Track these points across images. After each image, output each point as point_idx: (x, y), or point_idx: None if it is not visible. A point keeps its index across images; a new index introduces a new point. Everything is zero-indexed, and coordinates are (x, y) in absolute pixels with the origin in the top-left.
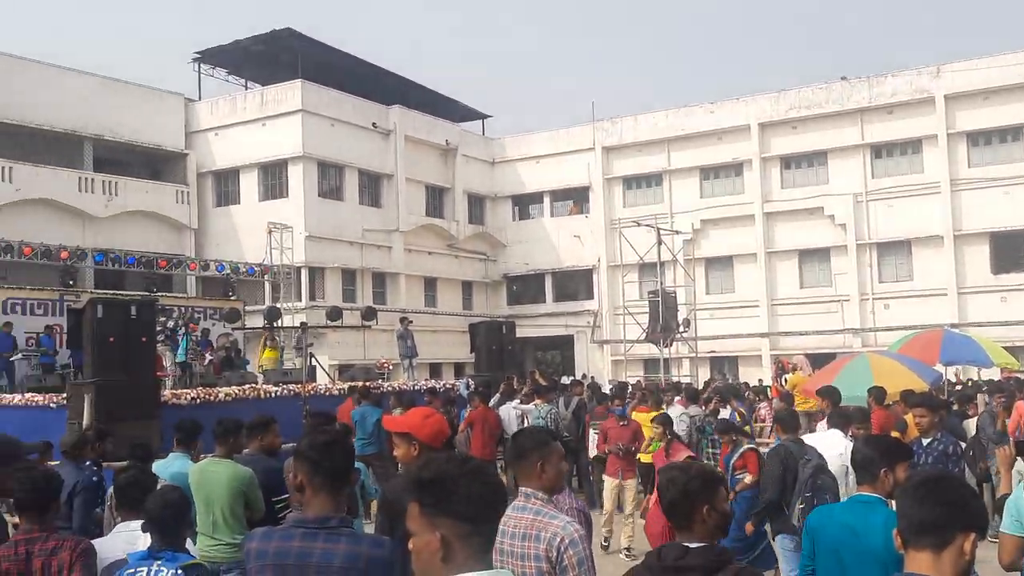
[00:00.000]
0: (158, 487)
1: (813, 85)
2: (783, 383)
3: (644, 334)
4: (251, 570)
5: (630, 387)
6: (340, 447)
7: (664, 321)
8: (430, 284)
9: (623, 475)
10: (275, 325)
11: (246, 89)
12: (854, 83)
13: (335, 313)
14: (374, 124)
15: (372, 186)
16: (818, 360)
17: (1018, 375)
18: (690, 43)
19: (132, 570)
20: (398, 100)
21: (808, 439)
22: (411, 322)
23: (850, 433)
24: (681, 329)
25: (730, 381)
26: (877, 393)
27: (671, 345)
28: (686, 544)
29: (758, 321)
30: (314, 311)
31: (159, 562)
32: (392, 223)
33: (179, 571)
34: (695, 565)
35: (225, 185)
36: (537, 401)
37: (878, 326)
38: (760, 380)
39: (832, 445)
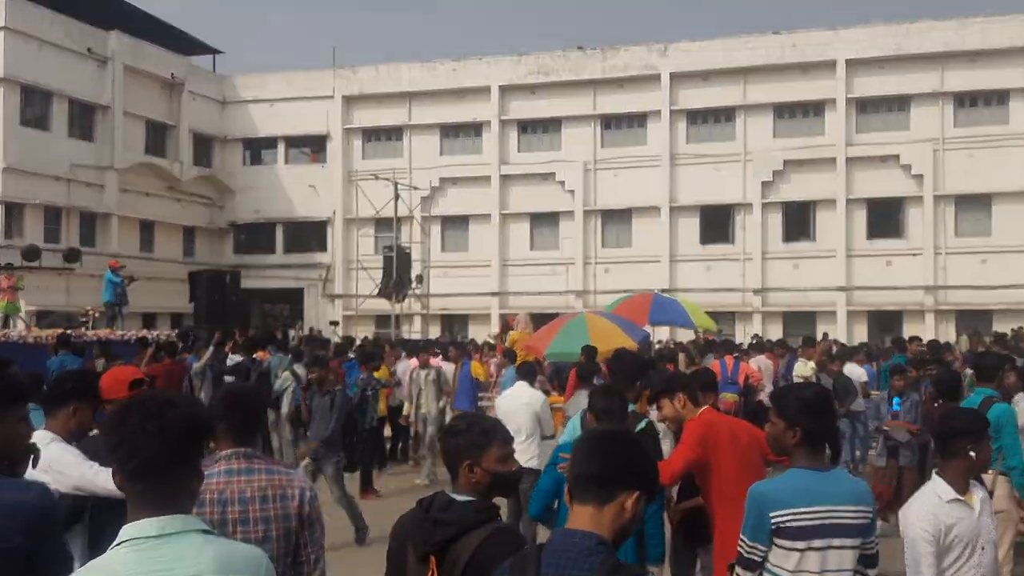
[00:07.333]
0: None
1: (553, 52)
2: (505, 340)
3: (377, 289)
4: None
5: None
6: None
7: (397, 277)
8: (147, 228)
9: None
10: None
11: None
12: (589, 54)
13: (31, 252)
14: (89, 49)
15: (84, 117)
16: (543, 319)
17: (714, 337)
18: None
19: None
20: (118, 25)
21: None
22: (123, 267)
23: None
24: (414, 286)
25: (459, 339)
26: (588, 351)
27: (403, 301)
28: (452, 496)
29: (489, 280)
30: (9, 251)
31: None
32: (106, 159)
33: None
34: (451, 520)
35: None
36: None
37: (599, 289)
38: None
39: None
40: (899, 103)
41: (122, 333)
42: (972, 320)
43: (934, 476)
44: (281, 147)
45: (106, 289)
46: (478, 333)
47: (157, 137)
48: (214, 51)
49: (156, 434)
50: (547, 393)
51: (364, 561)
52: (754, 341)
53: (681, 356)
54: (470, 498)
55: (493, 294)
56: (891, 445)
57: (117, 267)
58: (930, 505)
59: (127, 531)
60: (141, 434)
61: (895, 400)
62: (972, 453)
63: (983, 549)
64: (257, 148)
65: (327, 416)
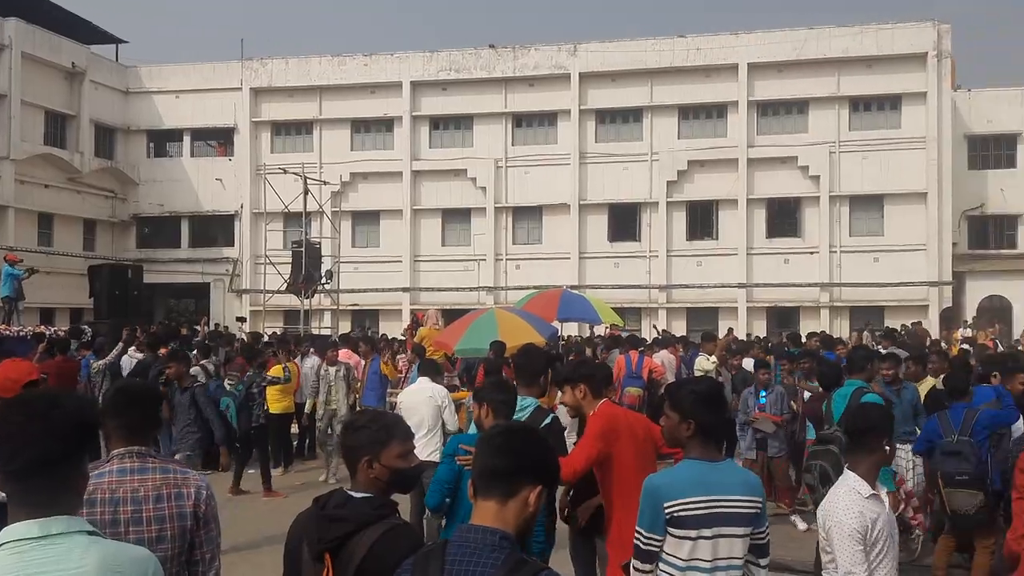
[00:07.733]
0: None
1: (464, 49)
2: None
3: (285, 284)
4: None
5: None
6: None
7: (307, 272)
8: (46, 220)
9: None
10: None
11: None
12: (501, 52)
13: None
14: None
15: None
16: (454, 315)
17: (620, 332)
18: None
19: None
20: (16, 12)
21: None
22: (21, 260)
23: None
24: (323, 281)
25: (369, 334)
26: (497, 347)
27: (313, 297)
28: (350, 492)
29: (400, 276)
30: None
31: None
32: (2, 150)
33: None
34: (346, 517)
35: None
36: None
37: (509, 285)
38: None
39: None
40: (798, 106)
41: (19, 329)
42: (865, 316)
43: (847, 472)
44: (187, 139)
45: (4, 283)
46: (389, 328)
47: (57, 127)
48: (117, 40)
49: (40, 434)
50: (455, 389)
51: (263, 561)
52: (660, 336)
53: (588, 351)
54: (368, 494)
55: (404, 290)
56: (759, 437)
57: (15, 260)
58: (853, 502)
59: (8, 532)
60: (25, 434)
61: (761, 393)
62: (887, 447)
63: (893, 539)
64: (162, 140)
65: (187, 413)
